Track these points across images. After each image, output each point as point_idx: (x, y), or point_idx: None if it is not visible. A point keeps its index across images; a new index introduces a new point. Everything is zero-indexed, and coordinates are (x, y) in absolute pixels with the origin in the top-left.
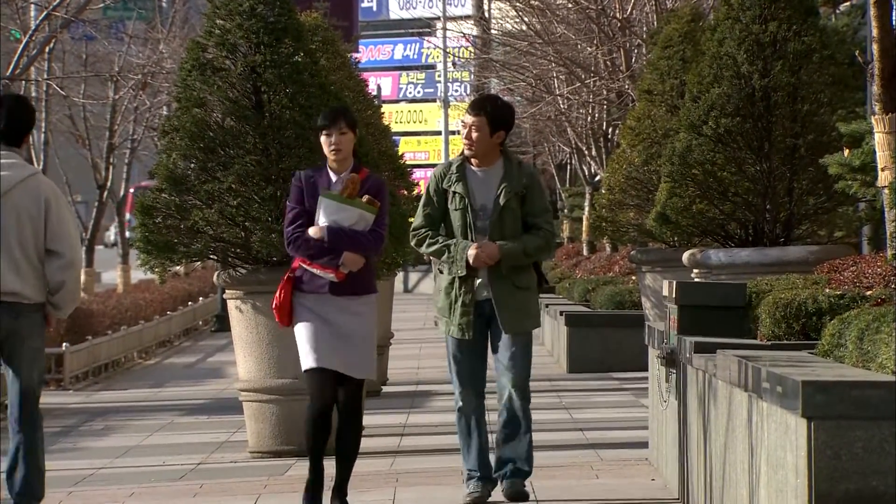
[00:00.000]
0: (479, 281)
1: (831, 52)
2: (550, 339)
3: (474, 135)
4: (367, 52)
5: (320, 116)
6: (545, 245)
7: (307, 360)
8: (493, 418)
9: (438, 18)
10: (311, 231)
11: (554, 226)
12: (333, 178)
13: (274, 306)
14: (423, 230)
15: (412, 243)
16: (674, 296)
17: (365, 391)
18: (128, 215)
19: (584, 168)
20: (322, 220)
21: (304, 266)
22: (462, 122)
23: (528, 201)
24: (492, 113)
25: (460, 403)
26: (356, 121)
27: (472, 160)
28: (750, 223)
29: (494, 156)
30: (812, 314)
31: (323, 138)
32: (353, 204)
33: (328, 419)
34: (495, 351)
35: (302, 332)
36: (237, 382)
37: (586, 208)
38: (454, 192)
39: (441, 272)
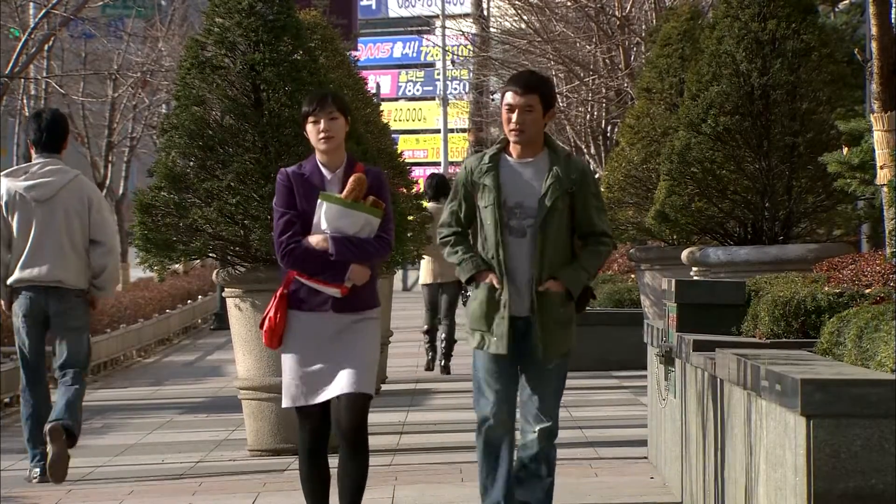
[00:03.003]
0: (515, 293)
1: (830, 50)
2: None
3: (527, 117)
4: (367, 50)
5: (305, 101)
6: (605, 260)
7: (287, 397)
8: None
9: (437, 16)
10: (313, 241)
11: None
12: (327, 175)
13: (265, 328)
14: (449, 231)
15: (438, 241)
16: (673, 294)
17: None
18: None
19: None
20: (322, 226)
21: (303, 281)
22: (507, 104)
23: (582, 202)
24: (544, 90)
25: (490, 422)
26: (348, 106)
27: (512, 149)
28: (749, 221)
29: (538, 145)
30: (811, 312)
31: (310, 126)
32: (359, 208)
33: (324, 453)
34: (527, 376)
35: (288, 364)
36: (236, 381)
37: None
38: (483, 186)
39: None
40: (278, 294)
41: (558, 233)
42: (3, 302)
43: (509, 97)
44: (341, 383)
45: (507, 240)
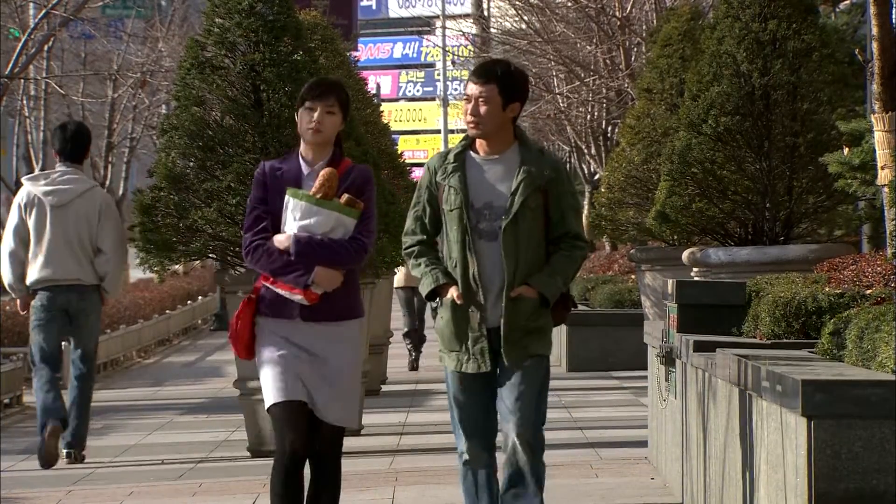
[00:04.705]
0: (489, 302)
1: (831, 50)
2: None
3: (482, 108)
4: (367, 50)
5: (305, 87)
6: (580, 266)
7: (270, 394)
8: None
9: (438, 17)
10: (277, 239)
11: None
12: (305, 170)
13: (230, 335)
14: (413, 240)
15: (403, 251)
16: (673, 294)
17: (363, 391)
18: None
19: (584, 167)
20: (290, 225)
21: (268, 285)
22: (465, 95)
23: (554, 201)
24: (504, 79)
25: (466, 457)
26: (349, 102)
27: (478, 145)
28: (749, 222)
29: (507, 139)
30: (812, 313)
31: (302, 111)
32: (329, 206)
33: (301, 470)
34: (500, 387)
35: (265, 358)
36: (236, 381)
37: (586, 207)
38: (449, 187)
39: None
40: (245, 299)
41: (530, 234)
42: (19, 302)
43: (468, 87)
44: (322, 409)
45: (478, 245)
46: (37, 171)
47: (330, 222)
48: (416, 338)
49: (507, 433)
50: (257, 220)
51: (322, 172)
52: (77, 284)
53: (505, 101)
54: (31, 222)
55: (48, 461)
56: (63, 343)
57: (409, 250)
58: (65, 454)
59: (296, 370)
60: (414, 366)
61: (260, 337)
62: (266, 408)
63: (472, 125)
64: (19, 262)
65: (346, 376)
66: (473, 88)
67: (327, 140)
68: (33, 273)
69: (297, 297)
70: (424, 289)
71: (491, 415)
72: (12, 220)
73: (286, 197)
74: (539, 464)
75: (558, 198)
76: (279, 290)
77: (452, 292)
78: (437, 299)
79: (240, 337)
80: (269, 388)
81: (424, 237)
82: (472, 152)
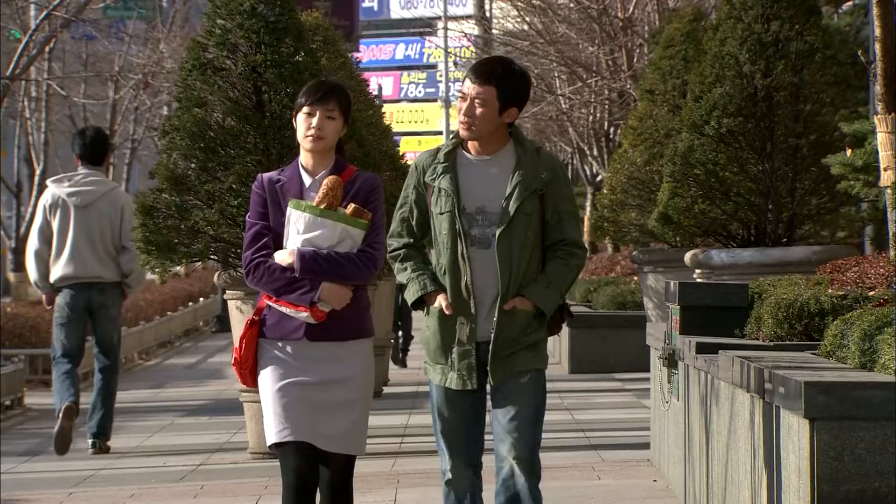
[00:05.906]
0: (481, 314)
1: (834, 51)
2: (552, 340)
3: (477, 110)
4: (369, 51)
5: (303, 90)
6: (577, 275)
7: (272, 432)
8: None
9: (439, 18)
10: (279, 256)
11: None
12: (307, 180)
13: (234, 361)
14: (399, 243)
15: (388, 255)
16: (676, 296)
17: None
18: None
19: (586, 168)
20: (293, 239)
21: (271, 304)
22: (460, 92)
23: (551, 205)
24: (504, 82)
25: (449, 476)
26: (350, 106)
27: (470, 144)
28: (752, 223)
29: (501, 139)
30: (814, 315)
31: (301, 117)
32: (334, 217)
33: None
34: (494, 406)
35: (267, 390)
36: (238, 383)
37: (588, 208)
38: (439, 189)
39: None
40: (248, 321)
41: (525, 241)
42: (44, 297)
43: (464, 85)
44: (327, 438)
45: (469, 252)
46: (60, 174)
47: (336, 235)
48: (397, 335)
49: (504, 455)
50: (257, 236)
51: (325, 181)
52: (98, 282)
53: (502, 105)
54: (55, 223)
55: (62, 445)
56: (86, 339)
57: (395, 254)
58: (90, 444)
59: (299, 406)
60: (395, 361)
61: (262, 362)
62: (268, 445)
63: (464, 126)
64: (43, 261)
65: (352, 401)
66: (470, 87)
67: (328, 147)
68: (57, 271)
69: (303, 314)
70: (410, 296)
71: (477, 433)
72: (37, 221)
73: (288, 209)
74: (537, 488)
75: (555, 201)
76: (283, 309)
77: (441, 301)
78: (424, 308)
79: (245, 363)
80: (272, 424)
81: (411, 240)
82: (463, 151)
